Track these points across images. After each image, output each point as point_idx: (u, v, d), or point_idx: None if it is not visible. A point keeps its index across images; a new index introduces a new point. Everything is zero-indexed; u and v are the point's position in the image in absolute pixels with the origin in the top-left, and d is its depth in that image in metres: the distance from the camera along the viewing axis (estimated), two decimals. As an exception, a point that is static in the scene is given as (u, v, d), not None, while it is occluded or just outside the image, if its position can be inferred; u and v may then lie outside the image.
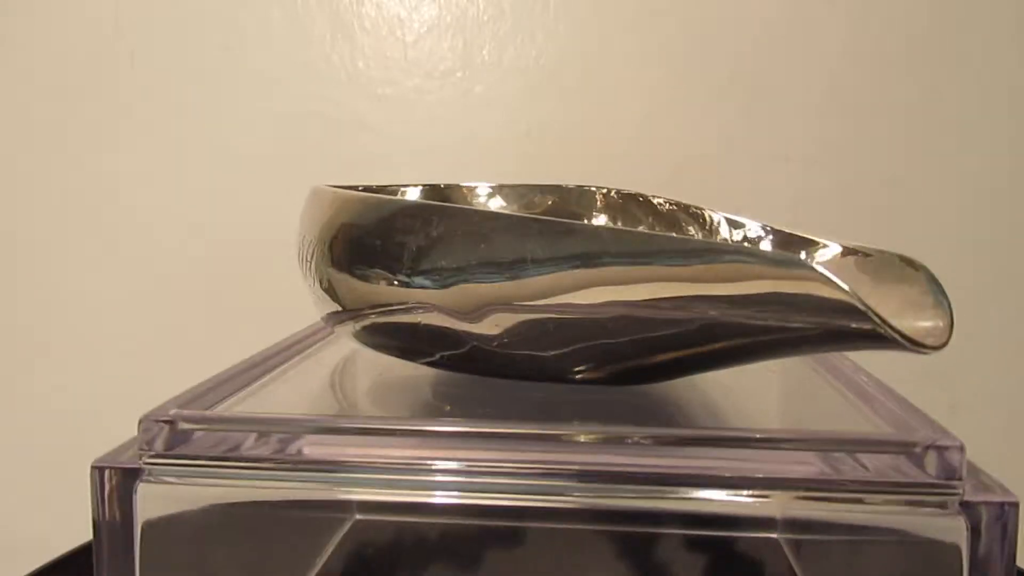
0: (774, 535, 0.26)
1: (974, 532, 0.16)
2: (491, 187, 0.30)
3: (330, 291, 0.19)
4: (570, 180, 0.33)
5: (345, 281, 0.19)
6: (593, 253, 0.16)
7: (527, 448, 0.17)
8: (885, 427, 0.19)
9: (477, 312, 0.17)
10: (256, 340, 0.28)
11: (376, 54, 0.38)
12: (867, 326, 0.14)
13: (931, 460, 0.17)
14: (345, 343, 0.25)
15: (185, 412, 0.18)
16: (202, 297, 0.38)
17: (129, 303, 0.38)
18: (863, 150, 0.39)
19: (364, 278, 0.18)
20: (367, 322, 0.19)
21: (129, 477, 0.17)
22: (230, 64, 0.37)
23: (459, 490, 0.17)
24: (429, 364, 0.20)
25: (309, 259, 0.20)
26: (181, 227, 0.38)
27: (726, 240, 0.21)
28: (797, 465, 0.17)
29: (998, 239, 0.40)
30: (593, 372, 0.18)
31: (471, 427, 0.17)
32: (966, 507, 0.16)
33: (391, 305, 0.18)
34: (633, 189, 0.31)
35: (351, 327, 0.20)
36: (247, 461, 0.17)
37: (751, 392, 0.23)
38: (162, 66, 0.37)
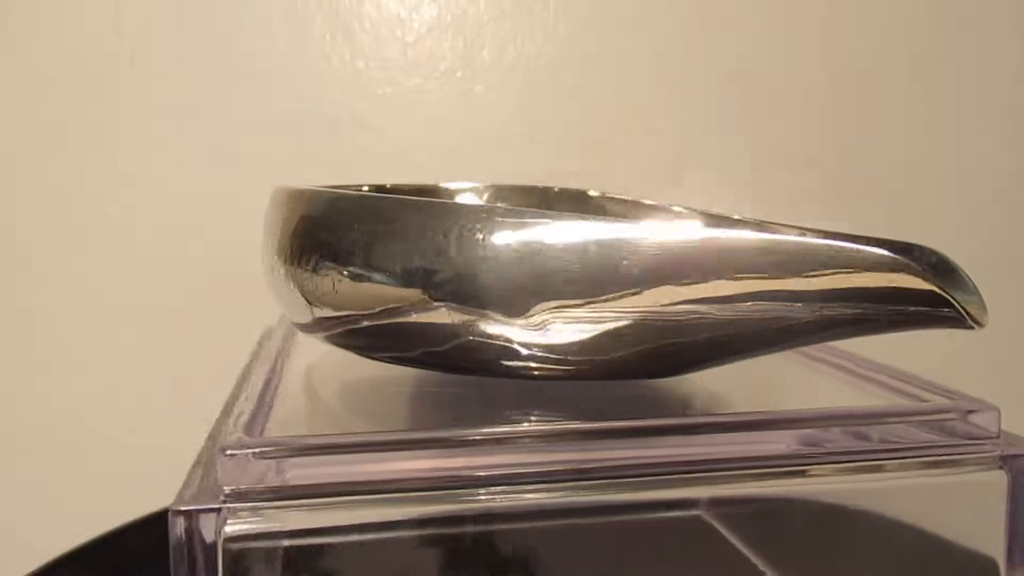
0: (697, 512, 0.26)
1: (1015, 482, 0.18)
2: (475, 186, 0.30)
3: (338, 294, 0.19)
4: (570, 181, 0.33)
5: (356, 283, 0.18)
6: (676, 253, 0.16)
7: (613, 446, 0.17)
8: (908, 401, 0.20)
9: (534, 318, 0.17)
10: (256, 340, 0.28)
11: (376, 54, 0.38)
12: (943, 313, 0.17)
13: (970, 421, 0.19)
14: (314, 344, 0.24)
15: (267, 442, 0.16)
16: (202, 297, 0.38)
17: (129, 303, 0.38)
18: (863, 150, 0.39)
19: (381, 280, 0.18)
20: (366, 324, 0.19)
21: (213, 519, 0.15)
22: (230, 64, 0.37)
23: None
24: (420, 366, 0.20)
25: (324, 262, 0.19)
26: (181, 227, 0.38)
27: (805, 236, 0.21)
28: (830, 440, 0.18)
29: (998, 239, 0.40)
30: (629, 370, 0.19)
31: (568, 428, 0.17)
32: (1006, 460, 0.18)
33: (407, 306, 0.18)
34: (616, 191, 0.31)
35: (336, 330, 0.19)
36: (348, 488, 0.16)
37: (758, 383, 0.23)
38: (162, 66, 0.37)
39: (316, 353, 0.25)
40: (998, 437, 0.19)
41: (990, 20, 0.39)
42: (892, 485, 0.19)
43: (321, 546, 0.17)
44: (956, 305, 0.17)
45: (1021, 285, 0.40)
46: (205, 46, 0.37)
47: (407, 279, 0.17)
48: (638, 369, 0.19)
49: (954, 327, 0.17)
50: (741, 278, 0.17)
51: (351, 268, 0.18)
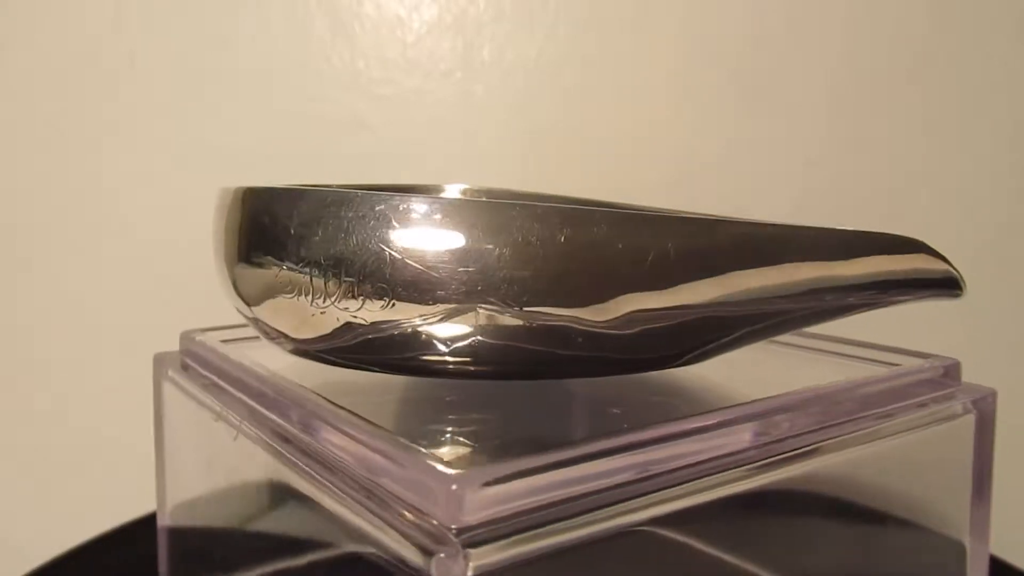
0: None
1: (980, 422, 0.22)
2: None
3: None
4: (570, 182, 0.33)
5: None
6: (733, 246, 0.18)
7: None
8: (883, 367, 0.23)
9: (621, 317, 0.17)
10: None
11: (376, 54, 0.38)
12: (949, 285, 0.20)
13: (943, 375, 0.22)
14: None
15: (490, 470, 0.14)
16: (202, 297, 0.38)
17: (130, 302, 0.38)
18: (863, 150, 0.39)
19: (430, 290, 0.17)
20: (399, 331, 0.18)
21: (460, 561, 0.13)
22: (230, 64, 0.37)
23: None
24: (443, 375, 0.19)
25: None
26: (181, 227, 0.38)
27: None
28: (832, 416, 0.20)
29: (998, 239, 0.40)
30: (655, 363, 0.19)
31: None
32: (976, 404, 0.22)
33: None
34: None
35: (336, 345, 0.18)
36: (577, 507, 0.15)
37: (741, 370, 0.24)
38: (162, 66, 0.37)
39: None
40: (960, 385, 0.22)
41: (990, 20, 0.39)
42: (879, 450, 0.20)
43: (560, 564, 0.16)
44: (959, 277, 0.20)
45: (1022, 285, 0.40)
46: (205, 46, 0.37)
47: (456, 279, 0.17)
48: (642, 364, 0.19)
49: (951, 297, 0.20)
50: (798, 265, 0.18)
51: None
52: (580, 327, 0.17)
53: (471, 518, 0.14)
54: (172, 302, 0.38)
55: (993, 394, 0.22)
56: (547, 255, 0.16)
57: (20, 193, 0.37)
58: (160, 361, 0.26)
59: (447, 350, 0.18)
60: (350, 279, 0.17)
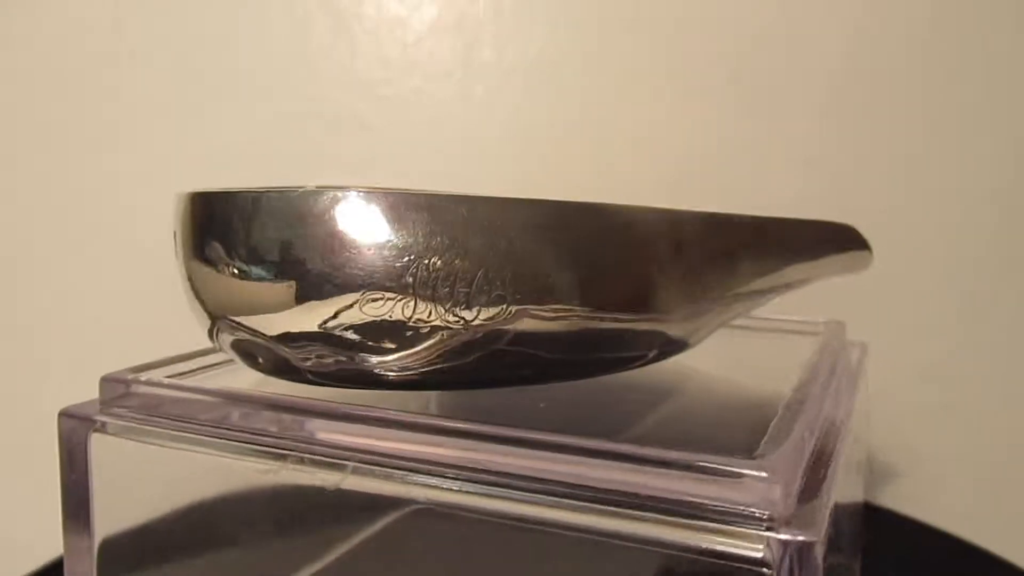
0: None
1: (862, 368, 0.25)
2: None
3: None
4: (569, 182, 0.33)
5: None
6: (752, 239, 0.19)
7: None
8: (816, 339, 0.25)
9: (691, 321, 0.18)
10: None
11: (376, 54, 0.38)
12: (866, 262, 0.23)
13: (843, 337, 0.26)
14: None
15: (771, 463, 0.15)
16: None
17: (129, 303, 0.38)
18: (863, 150, 0.39)
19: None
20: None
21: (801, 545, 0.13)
22: (230, 64, 0.37)
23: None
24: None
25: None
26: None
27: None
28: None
29: (998, 240, 0.40)
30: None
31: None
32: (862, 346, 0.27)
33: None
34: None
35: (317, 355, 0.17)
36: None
37: (703, 354, 0.24)
38: (162, 66, 0.37)
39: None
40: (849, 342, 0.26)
41: (991, 20, 0.39)
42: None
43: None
44: (871, 256, 0.23)
45: (1021, 285, 0.40)
46: (205, 46, 0.37)
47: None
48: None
49: (863, 271, 0.23)
50: (782, 254, 0.20)
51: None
52: (656, 327, 0.17)
53: (789, 502, 0.14)
54: (172, 302, 0.38)
55: (866, 345, 0.27)
56: (647, 257, 0.17)
57: (20, 193, 0.37)
58: (76, 415, 0.21)
59: (542, 357, 0.17)
60: (465, 289, 0.16)
